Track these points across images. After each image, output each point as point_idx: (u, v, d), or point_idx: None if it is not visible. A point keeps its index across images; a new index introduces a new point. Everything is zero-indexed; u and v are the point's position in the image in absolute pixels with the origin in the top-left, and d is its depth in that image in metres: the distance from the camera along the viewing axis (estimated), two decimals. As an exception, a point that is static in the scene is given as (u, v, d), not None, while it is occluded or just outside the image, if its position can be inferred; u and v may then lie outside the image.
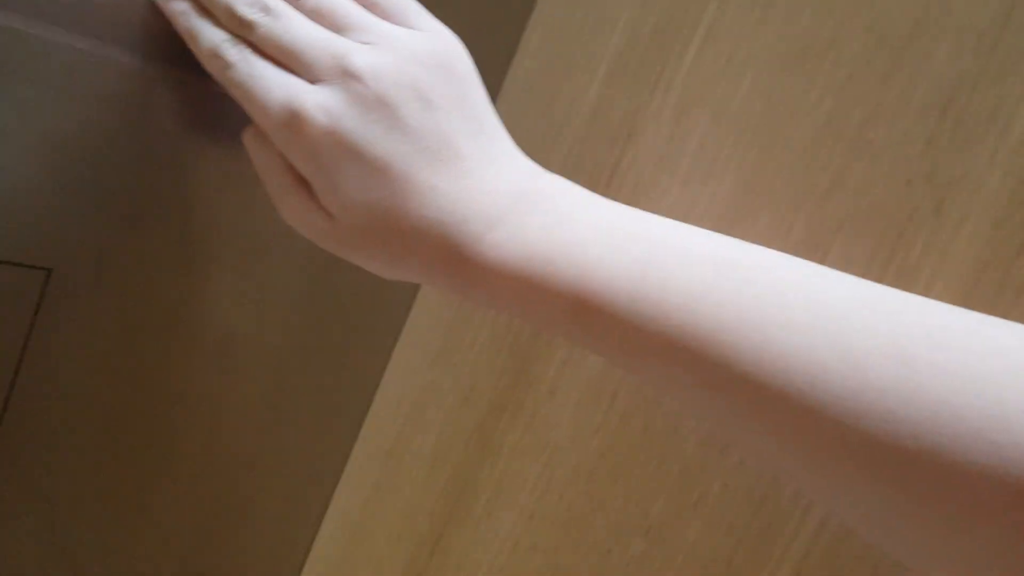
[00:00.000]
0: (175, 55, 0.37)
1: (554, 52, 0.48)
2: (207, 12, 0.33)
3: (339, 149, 0.31)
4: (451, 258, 0.32)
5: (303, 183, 0.33)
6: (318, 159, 0.31)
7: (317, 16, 0.33)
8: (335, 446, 0.54)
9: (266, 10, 0.32)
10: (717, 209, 0.40)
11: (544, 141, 0.48)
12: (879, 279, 0.35)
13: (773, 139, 0.39)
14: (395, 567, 0.53)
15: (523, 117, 0.49)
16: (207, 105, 0.39)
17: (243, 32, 0.32)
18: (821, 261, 0.37)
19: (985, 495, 0.21)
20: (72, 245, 0.38)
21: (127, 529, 0.47)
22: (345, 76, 0.31)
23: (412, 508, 0.52)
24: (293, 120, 0.31)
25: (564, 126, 0.47)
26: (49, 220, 0.37)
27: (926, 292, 0.34)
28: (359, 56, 0.31)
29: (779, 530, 0.37)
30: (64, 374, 0.41)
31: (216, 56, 0.33)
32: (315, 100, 0.31)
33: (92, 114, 0.36)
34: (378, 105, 0.31)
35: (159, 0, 0.34)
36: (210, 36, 0.33)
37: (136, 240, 0.40)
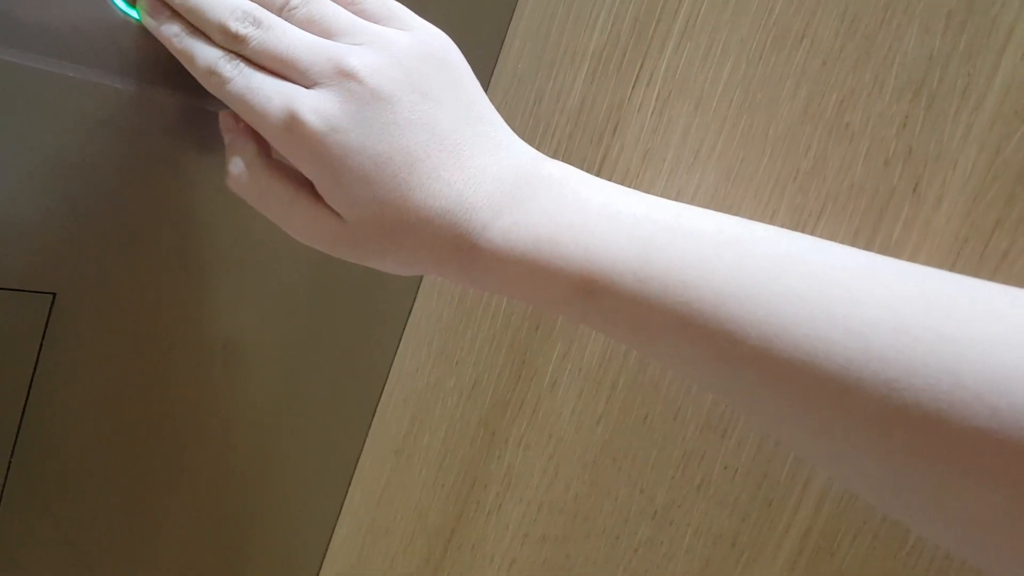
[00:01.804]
0: (167, 78, 0.38)
1: (537, 52, 0.49)
2: (200, 32, 0.34)
3: (340, 148, 0.32)
4: (461, 248, 0.32)
5: (307, 186, 0.34)
6: (321, 160, 0.32)
7: (308, 24, 0.34)
8: (345, 448, 0.55)
9: (257, 23, 0.33)
10: (702, 198, 0.41)
11: (532, 140, 0.49)
12: (863, 258, 0.36)
13: (753, 127, 0.40)
14: (410, 563, 0.54)
15: (511, 117, 0.50)
16: (199, 124, 0.40)
17: (237, 47, 0.33)
18: (806, 243, 0.38)
19: (987, 459, 0.22)
20: (75, 268, 0.39)
21: (143, 540, 0.48)
22: (340, 76, 0.32)
23: (424, 505, 0.53)
24: (293, 124, 0.32)
25: (551, 124, 0.48)
26: (51, 246, 0.38)
27: (908, 268, 0.35)
28: (353, 56, 0.32)
29: (781, 506, 0.38)
30: (74, 394, 0.42)
31: (213, 73, 0.33)
32: (312, 102, 0.32)
33: (88, 140, 0.37)
34: (374, 101, 0.32)
35: (152, 26, 0.35)
36: (205, 55, 0.34)
37: (137, 258, 0.41)
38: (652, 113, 0.44)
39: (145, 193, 0.40)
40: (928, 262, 0.34)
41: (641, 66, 0.44)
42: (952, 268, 0.34)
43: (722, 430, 0.40)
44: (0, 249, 0.37)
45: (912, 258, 0.35)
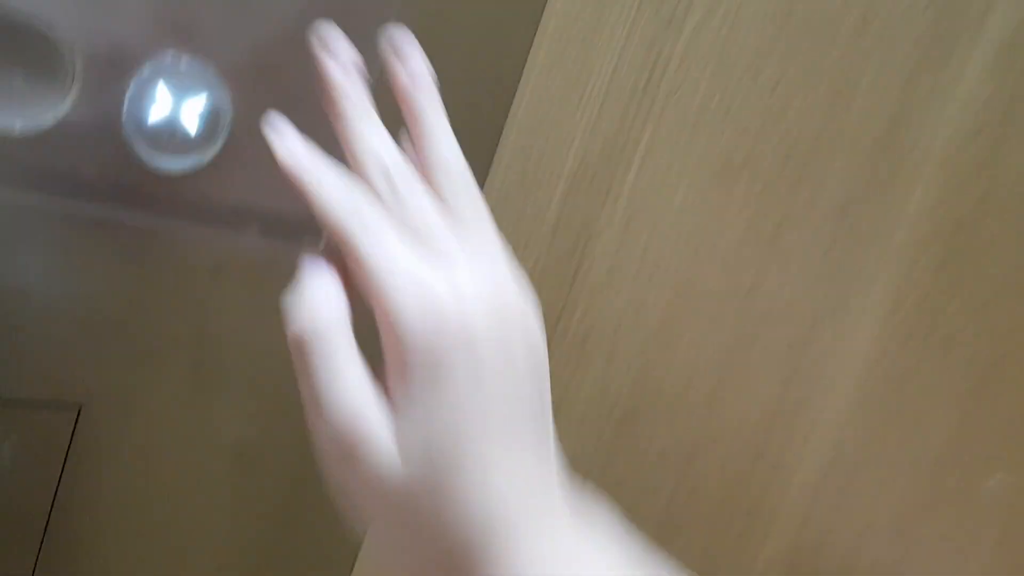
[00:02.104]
0: (178, 215, 0.43)
1: (520, 172, 0.54)
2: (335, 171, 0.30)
3: (462, 344, 0.27)
4: (473, 560, 0.27)
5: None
6: (437, 343, 0.27)
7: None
8: (346, 548, 0.58)
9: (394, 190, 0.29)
10: (661, 307, 0.45)
11: (515, 251, 0.53)
12: (797, 365, 0.40)
13: (702, 244, 0.44)
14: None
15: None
16: (210, 254, 0.45)
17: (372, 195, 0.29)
18: (748, 351, 0.42)
19: None
20: (99, 382, 0.44)
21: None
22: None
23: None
24: (429, 303, 0.27)
25: (531, 237, 0.53)
26: (77, 361, 0.43)
27: (835, 376, 0.38)
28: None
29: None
30: (96, 502, 0.46)
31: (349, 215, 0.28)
32: (456, 284, 0.28)
33: (110, 272, 0.42)
34: (498, 327, 0.28)
35: (278, 152, 0.30)
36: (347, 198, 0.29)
37: (156, 372, 0.46)
38: (618, 229, 0.48)
39: (164, 313, 0.45)
40: (851, 371, 0.38)
41: (609, 187, 0.49)
42: (872, 376, 0.37)
43: (675, 526, 0.43)
44: (30, 365, 0.42)
45: (839, 368, 0.39)
